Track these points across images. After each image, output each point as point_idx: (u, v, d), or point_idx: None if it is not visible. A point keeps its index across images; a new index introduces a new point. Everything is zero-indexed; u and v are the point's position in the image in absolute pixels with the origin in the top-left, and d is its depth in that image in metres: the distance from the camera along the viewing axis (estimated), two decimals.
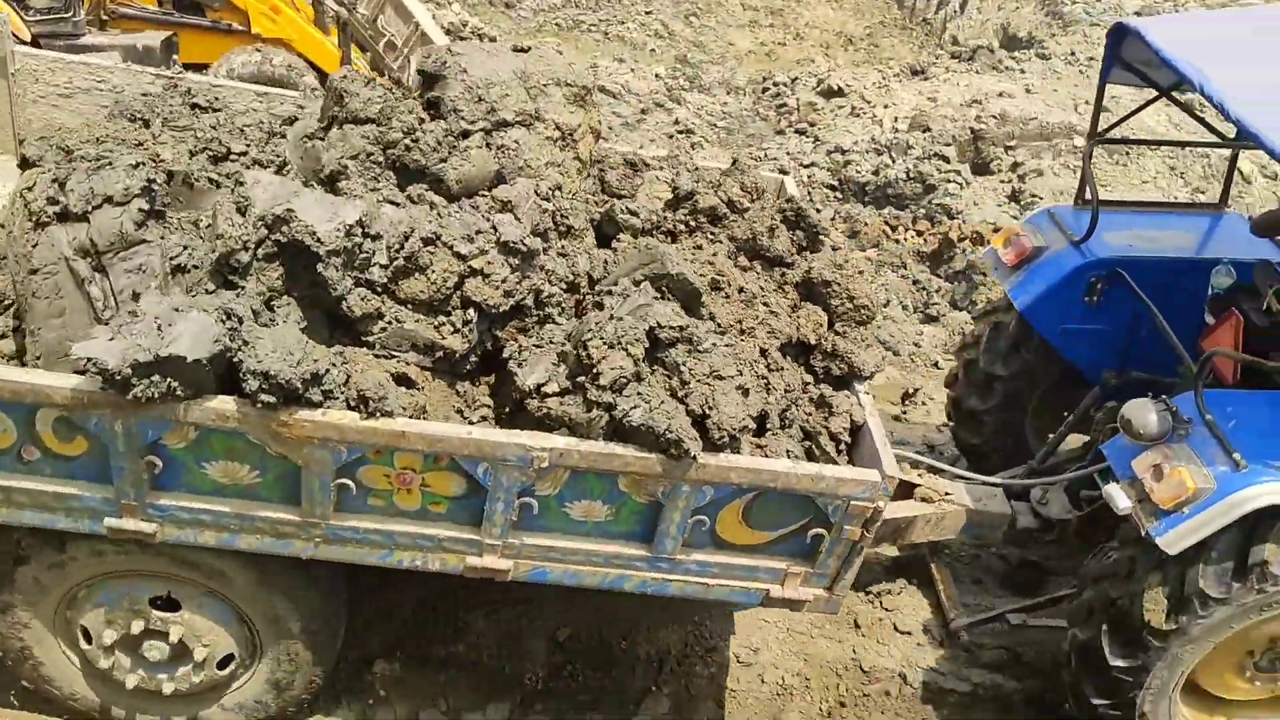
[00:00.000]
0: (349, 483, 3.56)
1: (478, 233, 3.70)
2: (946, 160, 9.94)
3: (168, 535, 3.69)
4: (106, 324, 3.37)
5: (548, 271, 3.87)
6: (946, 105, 11.24)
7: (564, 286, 3.92)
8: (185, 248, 3.66)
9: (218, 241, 3.50)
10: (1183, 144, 6.38)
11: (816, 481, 3.60)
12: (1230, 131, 5.21)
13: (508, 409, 3.77)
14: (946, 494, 4.90)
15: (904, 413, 6.63)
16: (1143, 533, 4.06)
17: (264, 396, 3.28)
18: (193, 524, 3.68)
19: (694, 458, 3.45)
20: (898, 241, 8.24)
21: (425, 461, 3.53)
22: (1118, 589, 4.30)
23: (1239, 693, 4.66)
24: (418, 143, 3.93)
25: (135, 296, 3.52)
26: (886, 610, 5.24)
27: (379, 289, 3.63)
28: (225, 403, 3.38)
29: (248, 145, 4.33)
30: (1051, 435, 5.61)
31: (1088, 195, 5.41)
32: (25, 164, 4.01)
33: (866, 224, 8.08)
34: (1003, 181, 9.87)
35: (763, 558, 3.83)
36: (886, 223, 8.37)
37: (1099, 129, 5.41)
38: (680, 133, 10.29)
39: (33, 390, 3.36)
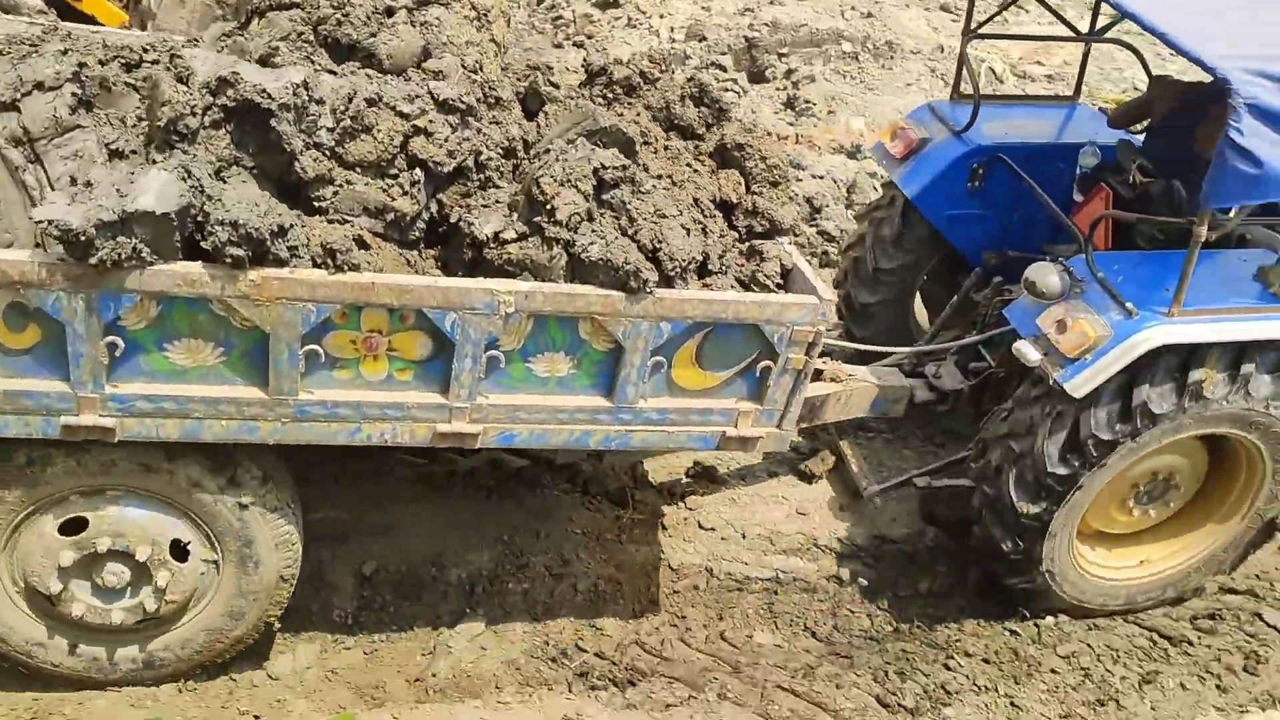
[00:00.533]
0: (318, 349, 3.51)
1: (415, 97, 3.73)
2: (724, 69, 10.01)
3: (128, 431, 3.53)
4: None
5: (484, 135, 3.90)
6: (720, 14, 11.29)
7: (500, 153, 3.94)
8: (119, 134, 3.55)
9: (163, 108, 3.36)
10: (1047, 39, 7.01)
11: (764, 309, 3.85)
12: (1083, 28, 6.01)
13: (460, 274, 3.78)
14: (850, 375, 5.24)
15: None
16: (1050, 380, 4.56)
17: (232, 250, 3.21)
18: (153, 415, 3.52)
19: (650, 290, 3.62)
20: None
21: (392, 320, 3.53)
22: (1021, 443, 4.81)
23: (1121, 525, 5.38)
24: (348, 17, 3.94)
25: (74, 182, 3.34)
26: (690, 510, 5.41)
27: (327, 153, 3.60)
28: (191, 266, 3.26)
29: (157, 55, 4.09)
30: (937, 317, 6.07)
31: (964, 89, 5.93)
32: None
33: None
34: (778, 89, 10.07)
35: (716, 399, 4.06)
36: None
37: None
38: None
39: None
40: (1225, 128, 4.08)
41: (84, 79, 3.59)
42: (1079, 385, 4.52)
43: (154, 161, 3.36)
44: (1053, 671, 5.15)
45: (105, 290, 3.23)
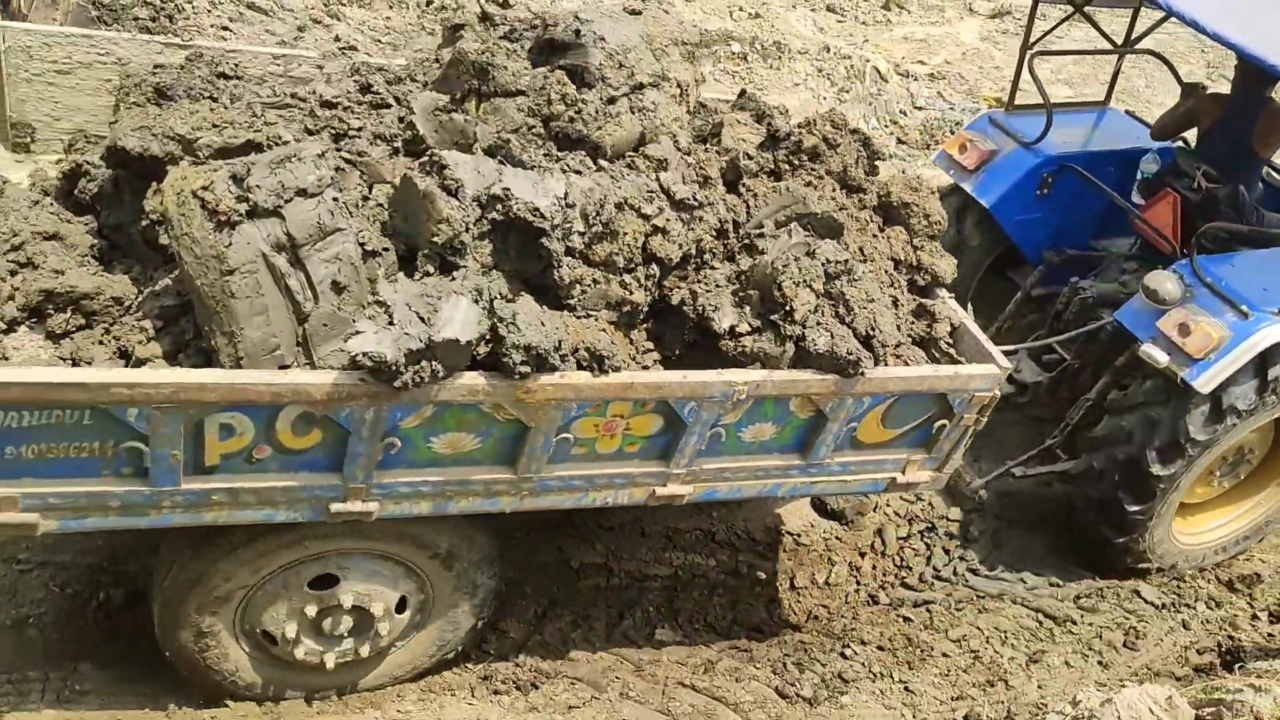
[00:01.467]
0: (569, 435, 3.81)
1: (650, 193, 3.97)
2: None
3: (385, 511, 3.81)
4: (307, 317, 3.45)
5: (705, 223, 4.15)
6: None
7: (713, 234, 4.19)
8: (371, 234, 3.66)
9: (440, 226, 3.53)
10: (1095, 52, 7.44)
11: (953, 380, 4.25)
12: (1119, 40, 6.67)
13: (677, 351, 4.14)
14: None
15: None
16: (1179, 380, 5.02)
17: (522, 369, 3.48)
18: (411, 497, 3.82)
19: (863, 373, 3.97)
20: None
21: (634, 407, 3.85)
22: (1123, 450, 5.35)
23: (1199, 496, 5.93)
24: (580, 114, 4.12)
25: (335, 285, 3.50)
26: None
27: (577, 255, 3.83)
28: (476, 379, 3.53)
29: (362, 121, 4.23)
30: (1006, 310, 6.48)
31: (1018, 100, 6.62)
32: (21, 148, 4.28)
33: None
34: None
35: (891, 451, 4.45)
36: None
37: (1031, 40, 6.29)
38: (344, 49, 9.78)
39: (293, 389, 3.36)
40: None
41: (340, 185, 3.68)
42: (1206, 382, 4.98)
43: (428, 273, 3.59)
44: (944, 655, 5.30)
45: (396, 405, 3.47)
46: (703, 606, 5.41)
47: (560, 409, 3.69)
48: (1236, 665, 5.12)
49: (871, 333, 4.04)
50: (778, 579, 5.60)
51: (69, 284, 3.76)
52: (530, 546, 5.27)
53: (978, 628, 5.51)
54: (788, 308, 3.91)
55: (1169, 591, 5.93)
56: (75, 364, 3.63)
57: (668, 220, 3.98)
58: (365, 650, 4.32)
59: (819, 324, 3.97)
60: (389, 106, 4.36)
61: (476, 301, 3.48)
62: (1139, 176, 6.53)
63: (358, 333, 3.36)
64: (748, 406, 3.99)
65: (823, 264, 4.00)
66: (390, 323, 3.35)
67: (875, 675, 5.16)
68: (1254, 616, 5.83)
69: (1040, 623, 5.63)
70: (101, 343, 3.72)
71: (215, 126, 3.93)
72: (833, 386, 4.00)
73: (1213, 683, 4.58)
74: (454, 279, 3.57)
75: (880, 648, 5.31)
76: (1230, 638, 5.64)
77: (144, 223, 3.89)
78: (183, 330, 3.70)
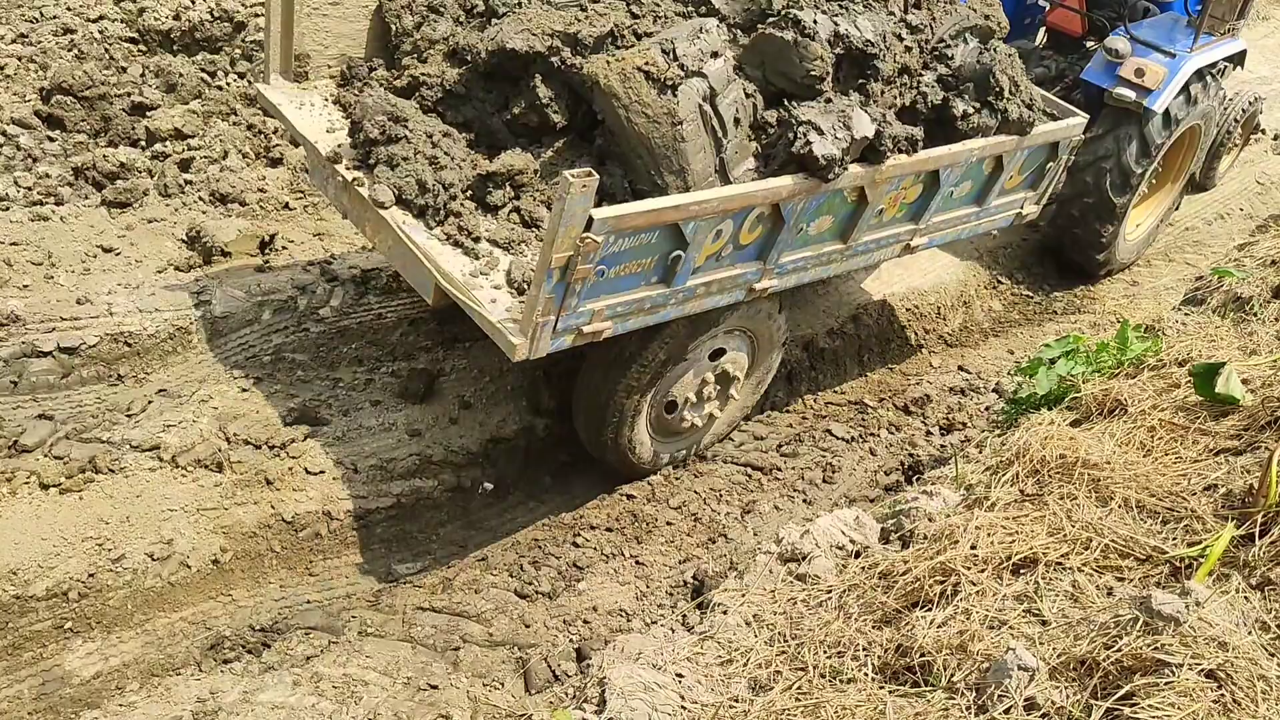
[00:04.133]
0: (881, 207, 5.16)
1: (915, 28, 5.39)
2: None
3: (778, 285, 5.04)
4: (724, 148, 4.67)
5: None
6: None
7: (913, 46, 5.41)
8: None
9: (816, 62, 4.72)
10: None
11: (1068, 130, 6.14)
12: None
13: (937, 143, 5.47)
14: None
15: (267, 261, 6.44)
16: (1144, 107, 7.18)
17: (894, 153, 4.90)
18: (791, 272, 5.07)
19: (1030, 131, 5.71)
20: (221, 88, 7.73)
21: (914, 179, 5.24)
22: (1109, 161, 7.49)
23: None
24: None
25: (735, 122, 4.67)
26: (293, 458, 5.22)
27: (883, 77, 5.15)
28: (856, 168, 4.81)
29: (665, 8, 5.20)
30: None
31: None
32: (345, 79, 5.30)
33: (182, 75, 7.44)
34: None
35: (1018, 192, 6.29)
36: (204, 70, 7.78)
37: None
38: None
39: (771, 191, 4.50)
40: None
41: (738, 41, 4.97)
42: (1161, 104, 7.18)
43: (828, 101, 4.77)
44: (668, 524, 5.59)
45: (815, 195, 4.67)
46: (433, 529, 5.41)
47: (891, 184, 5.02)
48: (915, 478, 5.71)
49: (1030, 101, 5.65)
50: (505, 486, 5.67)
51: (507, 164, 4.79)
52: (237, 509, 5.05)
53: (695, 492, 5.84)
54: (998, 90, 5.39)
55: (855, 426, 6.51)
56: (528, 225, 4.77)
57: (907, 43, 5.20)
58: (717, 409, 5.72)
59: (1013, 99, 5.49)
60: None
61: (867, 113, 4.74)
62: None
63: (809, 143, 4.52)
64: (969, 167, 5.51)
65: (1005, 57, 5.48)
66: (821, 133, 4.55)
67: (607, 556, 5.38)
68: (927, 433, 6.52)
69: (750, 475, 6.04)
70: (524, 208, 4.81)
71: (578, 21, 4.88)
72: (1012, 145, 5.64)
73: (896, 497, 5.09)
74: (833, 100, 4.79)
75: (609, 529, 5.52)
76: (910, 455, 6.29)
77: (509, 114, 4.92)
78: (604, 184, 4.53)
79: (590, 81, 4.53)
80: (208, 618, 4.74)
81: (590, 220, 3.79)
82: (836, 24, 4.84)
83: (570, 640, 4.86)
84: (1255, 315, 5.79)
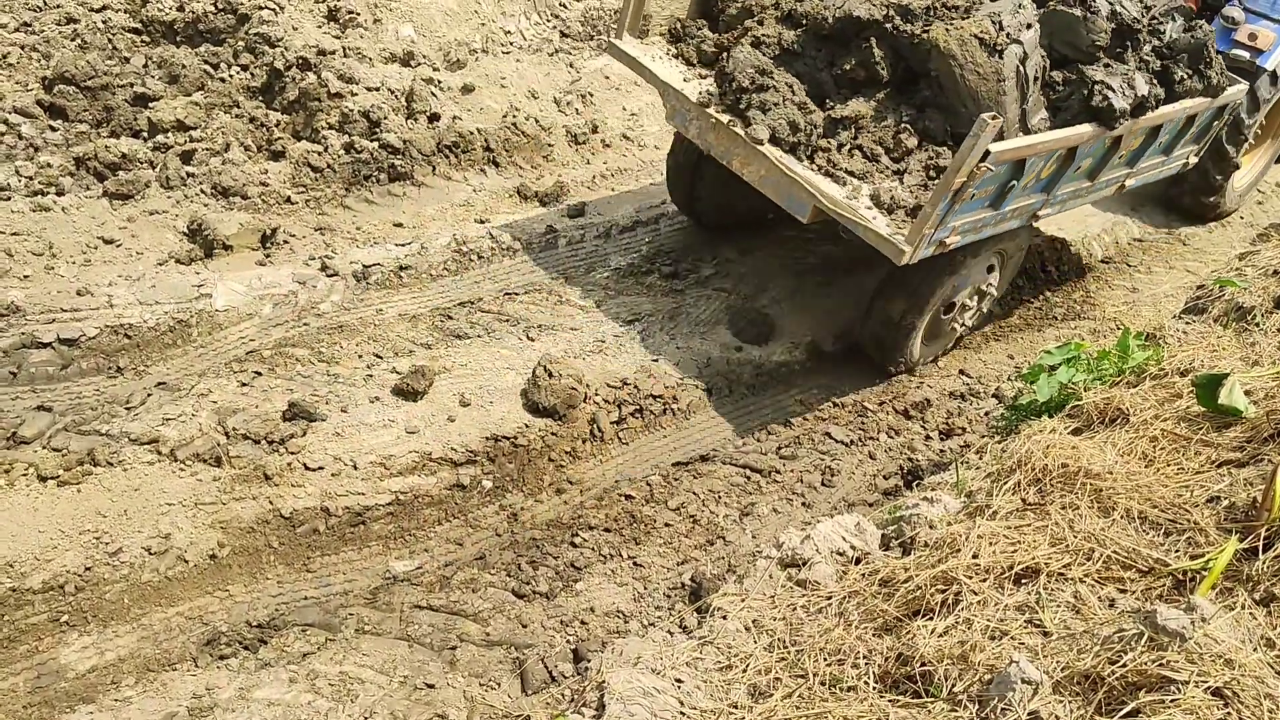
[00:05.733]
0: (1122, 153, 6.39)
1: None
2: None
3: (1051, 214, 6.37)
4: (1026, 100, 5.91)
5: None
6: None
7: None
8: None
9: (1101, 34, 6.04)
10: None
11: (1238, 94, 7.14)
12: None
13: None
14: None
15: (268, 255, 6.42)
16: (1256, 65, 8.27)
17: (1153, 107, 6.13)
18: (1057, 203, 6.25)
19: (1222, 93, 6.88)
20: (224, 80, 7.70)
21: (1150, 130, 6.47)
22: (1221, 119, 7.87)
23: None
24: None
25: (1035, 80, 5.84)
26: (292, 454, 5.20)
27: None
28: (1083, 128, 5.86)
29: None
30: None
31: None
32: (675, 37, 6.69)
33: (185, 66, 7.41)
34: (318, 2, 9.57)
35: (1190, 145, 7.36)
36: (207, 62, 7.75)
37: None
38: None
39: (1077, 136, 5.78)
40: None
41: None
42: (1273, 64, 8.26)
43: (1106, 66, 6.08)
44: (666, 525, 5.58)
45: (1100, 139, 5.93)
46: (431, 526, 5.39)
47: (1139, 133, 6.20)
48: (915, 483, 5.69)
49: (1222, 70, 6.63)
50: (503, 484, 5.65)
51: (855, 109, 6.03)
52: (235, 504, 5.03)
53: (693, 493, 5.82)
54: (1208, 60, 6.38)
55: (855, 429, 6.49)
56: (869, 159, 5.99)
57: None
58: (971, 319, 6.98)
59: (1213, 68, 6.45)
60: None
61: (1141, 72, 5.93)
62: None
63: (1107, 98, 5.76)
64: (1176, 123, 6.58)
65: (1208, 33, 6.41)
66: (1113, 91, 5.74)
67: (605, 557, 5.36)
68: (926, 437, 6.51)
69: (748, 477, 6.02)
70: (866, 146, 6.01)
71: None
72: (1208, 104, 6.70)
73: (896, 502, 5.07)
74: (1111, 65, 6.04)
75: (607, 530, 5.50)
76: (910, 460, 6.27)
77: (838, 69, 6.16)
78: (925, 128, 6.05)
79: (930, 45, 5.74)
80: (204, 613, 4.72)
81: (987, 152, 4.99)
82: (1111, 3, 6.10)
83: (567, 641, 4.84)
84: (1257, 326, 5.77)
